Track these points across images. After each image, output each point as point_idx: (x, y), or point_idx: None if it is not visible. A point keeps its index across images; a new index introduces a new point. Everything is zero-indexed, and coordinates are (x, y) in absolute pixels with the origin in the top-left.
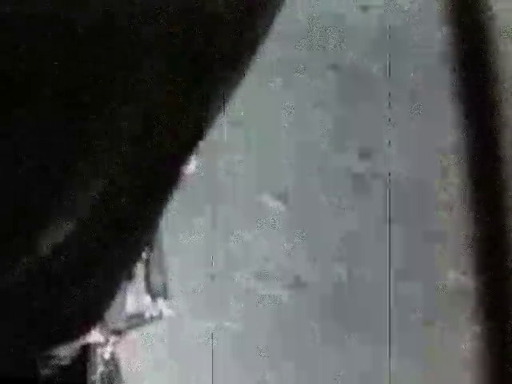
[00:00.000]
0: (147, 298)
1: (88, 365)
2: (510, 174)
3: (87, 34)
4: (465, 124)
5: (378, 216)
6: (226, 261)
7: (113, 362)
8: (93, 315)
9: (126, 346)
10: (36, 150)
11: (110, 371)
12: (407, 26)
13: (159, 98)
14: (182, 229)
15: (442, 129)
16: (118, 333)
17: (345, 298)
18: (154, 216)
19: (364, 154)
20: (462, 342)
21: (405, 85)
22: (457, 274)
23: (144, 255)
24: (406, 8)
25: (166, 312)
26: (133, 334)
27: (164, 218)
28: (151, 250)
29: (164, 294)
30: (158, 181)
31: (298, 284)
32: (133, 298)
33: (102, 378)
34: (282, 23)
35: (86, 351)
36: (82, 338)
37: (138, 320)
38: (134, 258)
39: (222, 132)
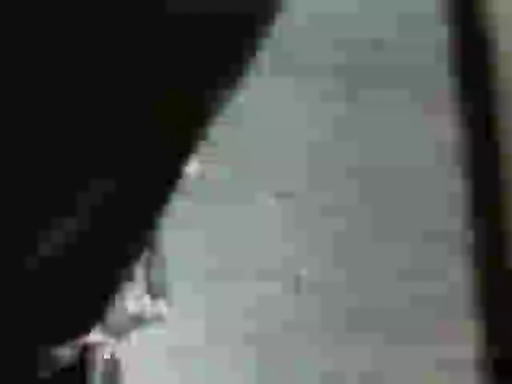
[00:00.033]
0: (147, 299)
1: (88, 365)
2: (510, 174)
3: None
4: (465, 124)
5: (379, 216)
6: (227, 261)
7: (113, 362)
8: (93, 315)
9: (126, 346)
10: (36, 148)
11: (110, 371)
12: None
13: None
14: (182, 228)
15: (442, 126)
16: (118, 333)
17: (345, 297)
18: (154, 216)
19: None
20: (462, 342)
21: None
22: (457, 274)
23: (144, 255)
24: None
25: (166, 312)
26: (133, 335)
27: (164, 217)
28: (151, 250)
29: (164, 294)
30: (158, 181)
31: (299, 284)
32: (133, 299)
33: (102, 378)
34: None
35: (86, 351)
36: (82, 338)
37: (137, 320)
38: (134, 258)
39: (222, 132)
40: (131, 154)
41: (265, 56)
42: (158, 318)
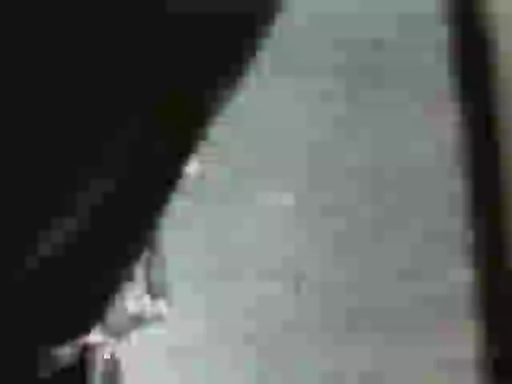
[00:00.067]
0: (147, 299)
1: (88, 365)
2: (510, 174)
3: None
4: (465, 124)
5: (379, 216)
6: (227, 261)
7: (113, 362)
8: (93, 315)
9: (126, 346)
10: (36, 148)
11: (110, 371)
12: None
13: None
14: (182, 228)
15: (442, 126)
16: (118, 333)
17: (345, 297)
18: (154, 216)
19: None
20: (462, 342)
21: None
22: (457, 274)
23: (144, 255)
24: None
25: (166, 312)
26: (133, 335)
27: (164, 217)
28: (151, 250)
29: (164, 294)
30: (158, 181)
31: (300, 284)
32: (133, 299)
33: (102, 378)
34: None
35: (86, 351)
36: (82, 337)
37: (137, 320)
38: (134, 258)
39: (222, 132)
40: (131, 154)
41: (265, 56)
42: (158, 318)
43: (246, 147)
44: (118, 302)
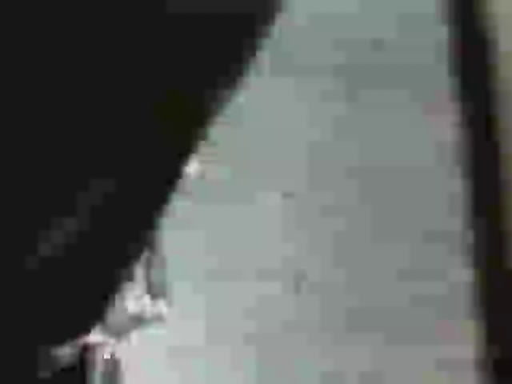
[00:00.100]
0: (147, 299)
1: (88, 365)
2: (510, 174)
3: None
4: (465, 124)
5: (379, 216)
6: (227, 261)
7: (113, 362)
8: (93, 315)
9: (126, 346)
10: (36, 148)
11: (110, 371)
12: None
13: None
14: (182, 228)
15: (442, 126)
16: (118, 333)
17: (345, 297)
18: (154, 216)
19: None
20: (462, 342)
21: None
22: (457, 274)
23: (144, 255)
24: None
25: (166, 312)
26: (133, 335)
27: (164, 217)
28: (151, 250)
29: (164, 294)
30: (158, 181)
31: (300, 284)
32: (133, 299)
33: (102, 378)
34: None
35: (86, 351)
36: (82, 337)
37: (137, 320)
38: (134, 258)
39: (222, 132)
40: (131, 154)
41: (265, 56)
42: (158, 318)
43: (246, 147)
44: (118, 302)
